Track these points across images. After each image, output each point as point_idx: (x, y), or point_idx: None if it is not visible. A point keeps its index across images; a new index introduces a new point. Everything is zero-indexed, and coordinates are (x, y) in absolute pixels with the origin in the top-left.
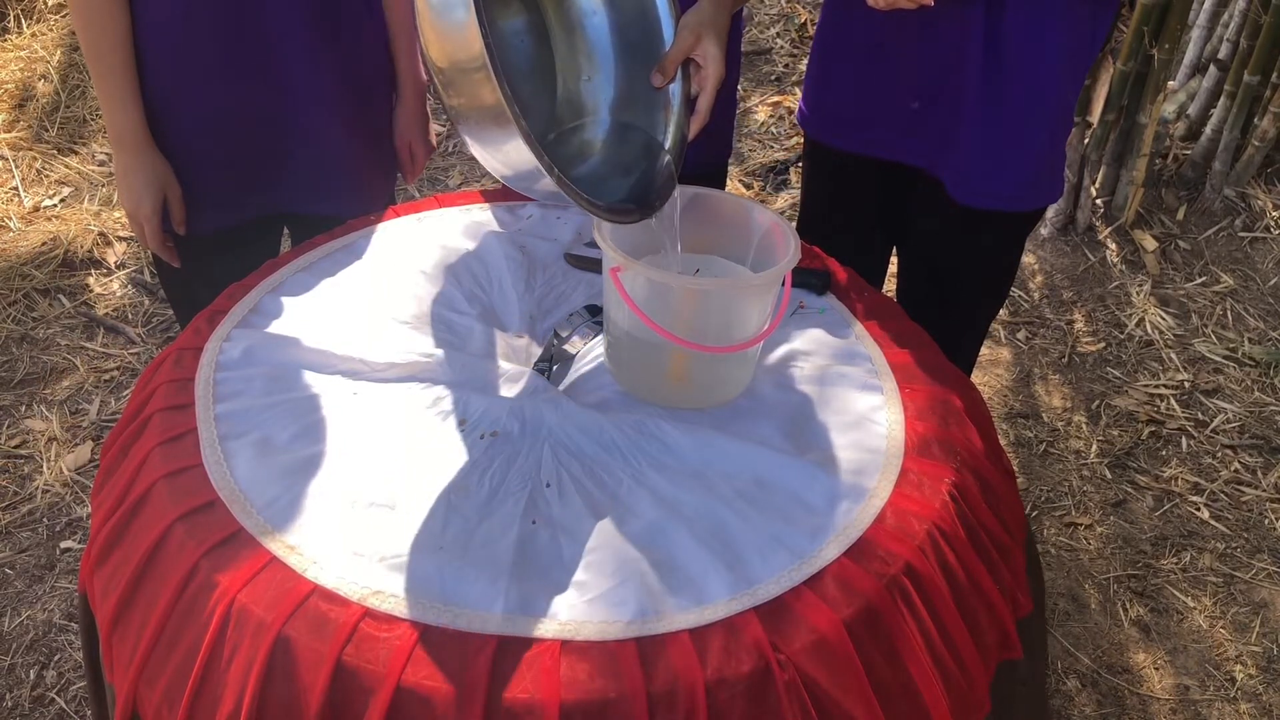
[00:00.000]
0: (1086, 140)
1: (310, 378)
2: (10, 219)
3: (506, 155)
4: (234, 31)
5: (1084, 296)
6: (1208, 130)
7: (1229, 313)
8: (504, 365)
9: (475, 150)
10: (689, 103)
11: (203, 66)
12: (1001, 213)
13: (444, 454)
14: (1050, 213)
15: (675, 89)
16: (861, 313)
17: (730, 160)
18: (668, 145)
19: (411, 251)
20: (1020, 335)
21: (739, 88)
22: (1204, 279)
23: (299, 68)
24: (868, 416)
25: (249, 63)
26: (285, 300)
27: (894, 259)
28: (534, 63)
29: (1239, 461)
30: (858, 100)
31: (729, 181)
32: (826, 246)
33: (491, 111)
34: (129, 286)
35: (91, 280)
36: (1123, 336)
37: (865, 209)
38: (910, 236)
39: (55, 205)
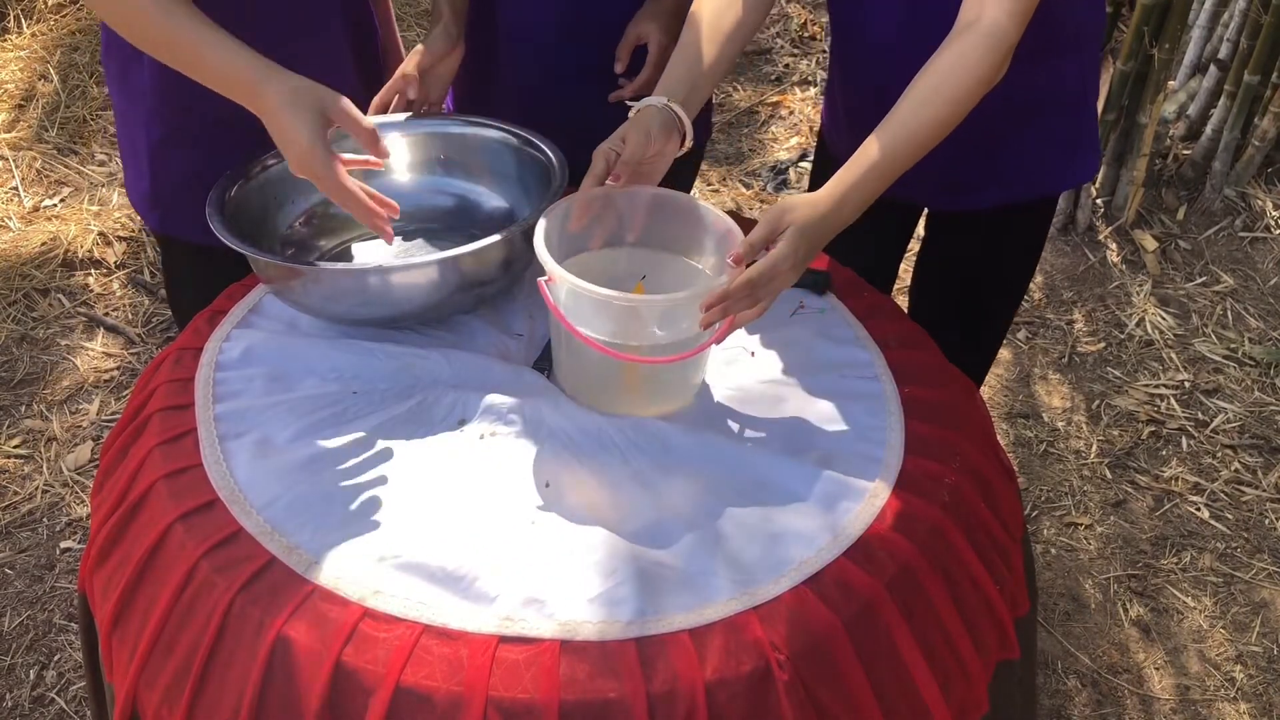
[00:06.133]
0: None
1: (310, 378)
2: (10, 219)
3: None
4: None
5: (1084, 296)
6: (1208, 130)
7: (1229, 313)
8: (504, 365)
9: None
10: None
11: None
12: (1020, 207)
13: (444, 454)
14: None
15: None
16: (861, 313)
17: (730, 160)
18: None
19: None
20: (1020, 335)
21: (736, 86)
22: (1204, 279)
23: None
24: (868, 416)
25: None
26: None
27: (901, 263)
28: None
29: (1239, 461)
30: (876, 112)
31: (730, 183)
32: (834, 251)
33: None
34: (129, 286)
35: (91, 280)
36: (1123, 336)
37: (881, 216)
38: (926, 240)
39: (55, 205)
